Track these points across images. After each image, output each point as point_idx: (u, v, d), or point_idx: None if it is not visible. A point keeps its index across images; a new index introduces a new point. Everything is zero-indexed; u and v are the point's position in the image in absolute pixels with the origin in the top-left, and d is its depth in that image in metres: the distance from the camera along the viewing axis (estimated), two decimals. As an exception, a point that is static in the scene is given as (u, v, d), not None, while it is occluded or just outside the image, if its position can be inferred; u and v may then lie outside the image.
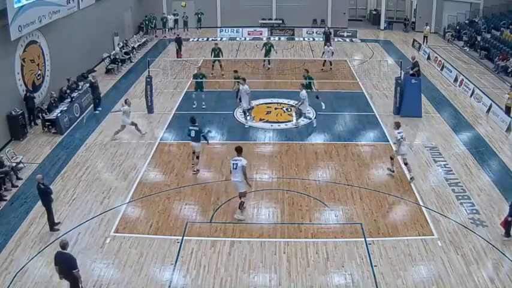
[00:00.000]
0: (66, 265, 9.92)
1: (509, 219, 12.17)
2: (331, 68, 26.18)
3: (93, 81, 21.31)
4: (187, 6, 36.33)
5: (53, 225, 12.74)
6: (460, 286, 10.75)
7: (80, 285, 10.03)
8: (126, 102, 18.28)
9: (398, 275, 11.09)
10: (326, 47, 26.72)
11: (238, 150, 13.15)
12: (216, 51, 25.27)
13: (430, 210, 13.65)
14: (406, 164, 15.30)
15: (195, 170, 15.82)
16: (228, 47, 32.27)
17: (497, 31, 30.49)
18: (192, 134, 15.60)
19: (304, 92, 18.85)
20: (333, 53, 26.44)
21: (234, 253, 11.88)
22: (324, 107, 20.83)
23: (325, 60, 26.32)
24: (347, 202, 14.10)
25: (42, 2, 19.70)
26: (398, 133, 15.05)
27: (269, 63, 26.88)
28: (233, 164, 12.93)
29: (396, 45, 33.59)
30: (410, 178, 15.21)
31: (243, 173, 12.83)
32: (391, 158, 15.68)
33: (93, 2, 26.42)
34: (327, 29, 32.14)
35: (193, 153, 16.00)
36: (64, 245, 9.99)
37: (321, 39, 35.37)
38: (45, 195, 12.56)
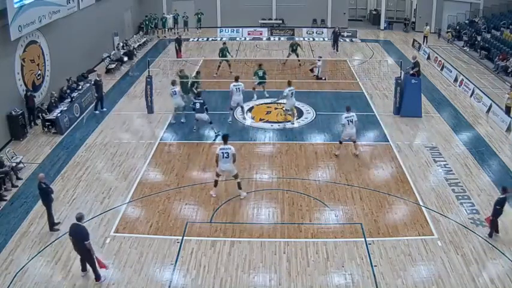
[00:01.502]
0: (79, 236, 10.56)
1: (491, 217, 12.26)
2: (325, 79, 24.91)
3: (98, 79, 21.28)
4: (187, 6, 36.43)
5: (52, 225, 12.75)
6: (460, 286, 10.75)
7: (94, 257, 10.64)
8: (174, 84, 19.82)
9: (398, 275, 11.09)
10: (317, 61, 25.28)
11: (225, 139, 14.08)
12: (224, 51, 25.35)
13: (430, 210, 13.65)
14: (354, 141, 16.67)
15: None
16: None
17: (497, 31, 30.50)
18: (197, 106, 17.83)
19: (286, 90, 18.94)
20: (319, 67, 25.02)
21: (234, 253, 11.88)
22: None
23: (312, 69, 25.43)
24: (347, 202, 14.10)
25: (42, 2, 19.70)
26: (345, 117, 16.15)
27: (299, 61, 27.06)
28: (224, 153, 13.72)
29: (396, 45, 33.61)
30: (356, 154, 16.64)
31: (233, 158, 13.81)
32: (340, 142, 16.79)
33: (93, 2, 26.43)
34: (337, 29, 32.05)
35: (197, 120, 18.15)
36: (80, 217, 10.72)
37: (321, 39, 35.51)
38: (46, 195, 12.57)
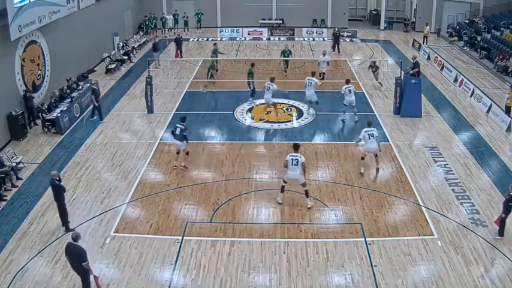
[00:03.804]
0: (75, 257, 10.20)
1: (503, 215, 12.23)
2: (323, 77, 24.39)
3: (94, 87, 20.95)
4: (187, 6, 36.46)
5: (66, 222, 12.67)
6: (460, 286, 10.75)
7: (91, 275, 10.30)
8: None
9: (398, 275, 11.08)
10: (322, 56, 25.07)
11: (296, 147, 13.74)
12: (216, 52, 25.40)
13: (430, 210, 13.65)
14: (376, 155, 15.87)
15: (183, 165, 15.83)
16: (228, 47, 32.30)
17: (497, 31, 30.49)
18: (177, 131, 15.55)
19: None
20: (328, 63, 24.85)
21: (234, 253, 11.88)
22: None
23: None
24: (347, 202, 14.10)
25: (42, 2, 19.70)
26: (365, 131, 15.59)
27: (286, 68, 26.22)
28: (293, 160, 13.41)
29: (396, 45, 33.60)
30: (377, 169, 15.85)
31: (302, 168, 13.45)
32: (362, 158, 15.87)
33: (93, 2, 26.42)
34: (336, 29, 32.00)
35: (178, 153, 16.00)
36: (76, 237, 10.29)
37: (321, 39, 35.50)
38: (59, 192, 12.51)
